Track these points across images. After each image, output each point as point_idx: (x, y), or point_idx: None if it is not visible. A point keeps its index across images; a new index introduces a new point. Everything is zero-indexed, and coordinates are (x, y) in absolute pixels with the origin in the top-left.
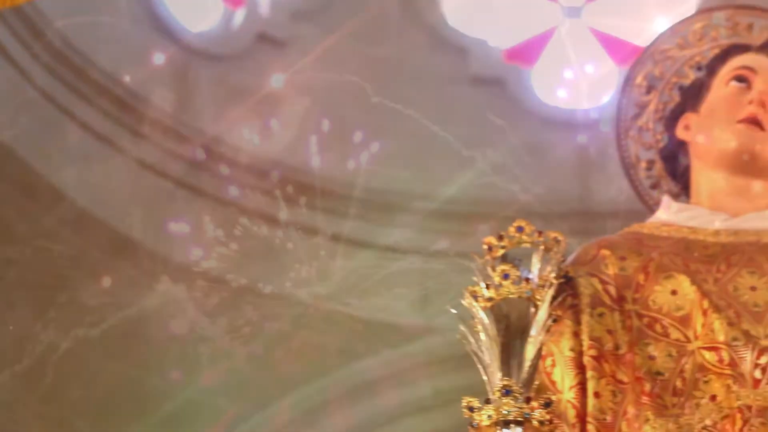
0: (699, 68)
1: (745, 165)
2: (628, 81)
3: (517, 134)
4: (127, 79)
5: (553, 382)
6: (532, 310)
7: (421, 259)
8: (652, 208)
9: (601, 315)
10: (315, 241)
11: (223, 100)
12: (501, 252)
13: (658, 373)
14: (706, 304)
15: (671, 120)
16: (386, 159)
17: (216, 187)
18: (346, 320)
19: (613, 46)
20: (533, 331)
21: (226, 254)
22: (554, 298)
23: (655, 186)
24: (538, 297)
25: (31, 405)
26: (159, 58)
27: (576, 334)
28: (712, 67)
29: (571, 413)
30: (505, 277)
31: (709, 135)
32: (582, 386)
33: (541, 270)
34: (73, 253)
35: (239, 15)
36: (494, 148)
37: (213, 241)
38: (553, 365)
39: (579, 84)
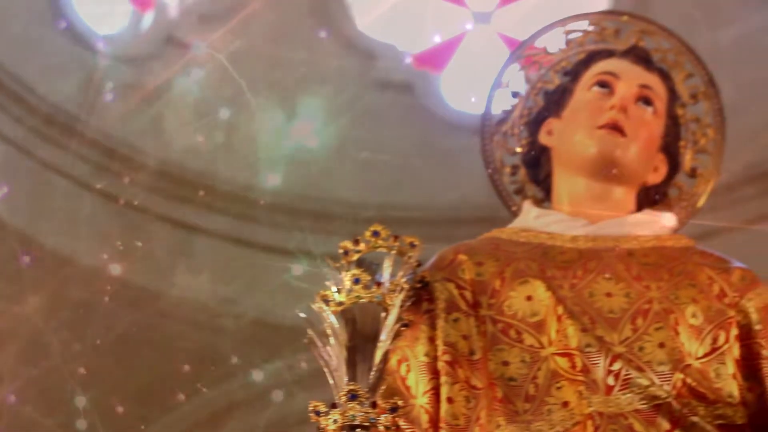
0: (565, 73)
1: (605, 171)
2: (494, 86)
3: (425, 139)
4: (33, 80)
5: (408, 387)
6: (383, 314)
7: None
8: (516, 213)
9: (456, 320)
10: (223, 246)
11: (131, 102)
12: (357, 256)
13: (511, 379)
14: (560, 310)
15: (535, 125)
16: (293, 162)
17: (121, 189)
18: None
19: None
20: (383, 336)
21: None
22: (410, 302)
23: (519, 191)
24: (388, 301)
25: None
26: (66, 60)
27: (431, 339)
28: (576, 73)
29: (425, 418)
30: (356, 281)
31: (571, 140)
32: (436, 391)
33: (393, 275)
34: None
35: (148, 18)
36: (401, 152)
37: (117, 244)
38: (408, 370)
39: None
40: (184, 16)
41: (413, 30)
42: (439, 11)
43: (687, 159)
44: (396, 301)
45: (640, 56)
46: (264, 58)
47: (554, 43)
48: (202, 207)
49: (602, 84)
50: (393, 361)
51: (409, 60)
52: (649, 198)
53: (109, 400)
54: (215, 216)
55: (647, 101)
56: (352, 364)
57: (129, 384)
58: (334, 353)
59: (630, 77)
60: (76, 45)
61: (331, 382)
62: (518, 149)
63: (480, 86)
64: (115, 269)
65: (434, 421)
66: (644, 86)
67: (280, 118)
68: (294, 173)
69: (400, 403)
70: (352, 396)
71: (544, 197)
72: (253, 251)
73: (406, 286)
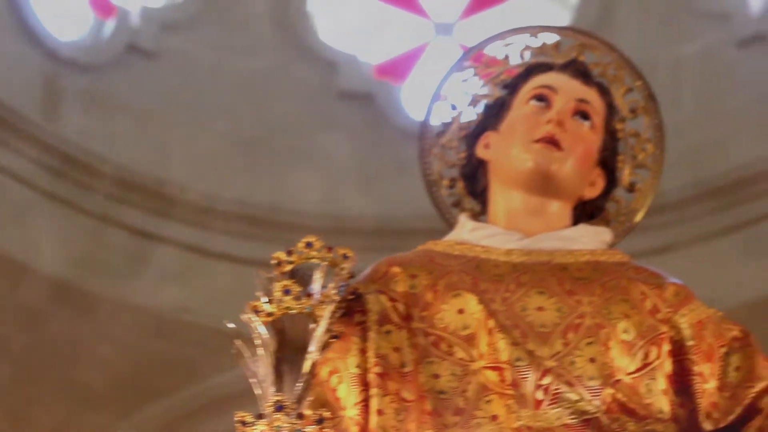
0: (504, 86)
1: (541, 185)
2: (434, 99)
3: (386, 150)
4: None
5: (338, 399)
6: (313, 325)
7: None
8: (453, 226)
9: (388, 332)
10: (178, 253)
11: (91, 110)
12: (289, 267)
13: (441, 392)
14: (491, 323)
15: (473, 138)
16: (251, 170)
17: (81, 196)
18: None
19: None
20: (311, 347)
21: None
22: (342, 314)
23: (457, 204)
24: (318, 313)
25: None
26: (25, 65)
27: (362, 351)
28: (514, 86)
29: (354, 430)
30: (287, 292)
31: (507, 154)
32: (366, 403)
33: (325, 286)
34: None
35: (109, 25)
36: (362, 162)
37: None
38: (339, 382)
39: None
40: (145, 24)
41: (375, 41)
42: (401, 22)
43: (625, 174)
44: (325, 313)
45: (579, 70)
46: (224, 67)
47: (495, 56)
48: (159, 215)
49: (539, 98)
50: (324, 373)
51: (370, 70)
52: (586, 212)
53: (68, 409)
54: (172, 223)
55: (584, 115)
56: (279, 375)
57: (83, 390)
58: (261, 364)
59: (567, 91)
60: (36, 50)
61: (257, 392)
62: (456, 162)
63: None
64: (71, 275)
65: None
66: (582, 100)
67: (240, 127)
68: (252, 182)
69: (326, 414)
70: (279, 407)
71: (482, 210)
72: (211, 259)
73: (336, 297)
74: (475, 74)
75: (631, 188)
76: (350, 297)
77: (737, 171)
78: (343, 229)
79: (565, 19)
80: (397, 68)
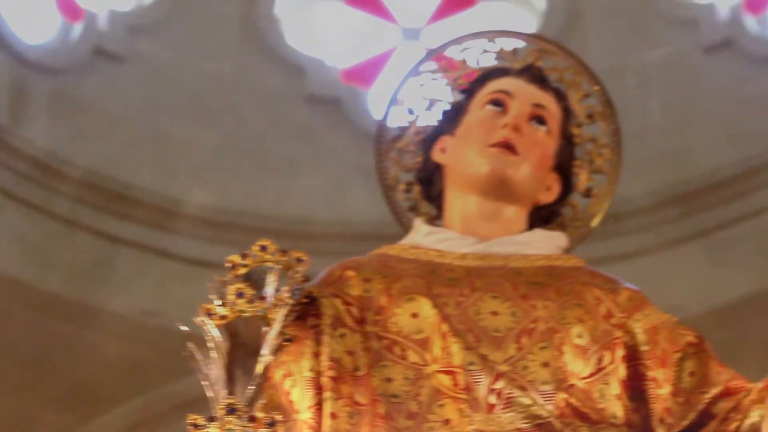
0: (461, 91)
1: (496, 189)
2: (391, 103)
3: (352, 154)
4: None
5: (292, 402)
6: (266, 329)
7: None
8: (410, 230)
9: (342, 336)
10: (145, 256)
11: (58, 113)
12: (243, 270)
13: (394, 396)
14: (445, 327)
15: (430, 142)
16: (218, 174)
17: (48, 199)
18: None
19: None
20: (264, 350)
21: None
22: (296, 317)
23: (414, 208)
24: (271, 316)
25: None
26: None
27: (316, 355)
28: (471, 91)
29: None
30: (240, 295)
31: (463, 158)
32: (320, 407)
33: (279, 289)
34: None
35: (77, 29)
36: (327, 167)
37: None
38: (293, 385)
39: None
40: (113, 28)
41: (342, 45)
42: (368, 27)
43: (582, 179)
44: (278, 316)
45: (535, 75)
46: (192, 70)
47: (447, 61)
48: (126, 218)
49: (496, 102)
50: (278, 376)
51: (337, 75)
52: (542, 217)
53: (30, 411)
54: (140, 227)
55: (540, 120)
56: (231, 378)
57: (49, 395)
58: (214, 367)
59: (523, 96)
60: (3, 53)
61: (209, 395)
62: (413, 166)
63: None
64: (38, 279)
65: None
66: (538, 105)
67: (207, 131)
68: (218, 186)
69: (278, 417)
70: (231, 410)
71: (438, 215)
72: (177, 262)
73: (289, 300)
74: (432, 79)
75: (587, 193)
76: (305, 300)
77: (703, 177)
78: (307, 234)
79: (532, 25)
80: (365, 73)
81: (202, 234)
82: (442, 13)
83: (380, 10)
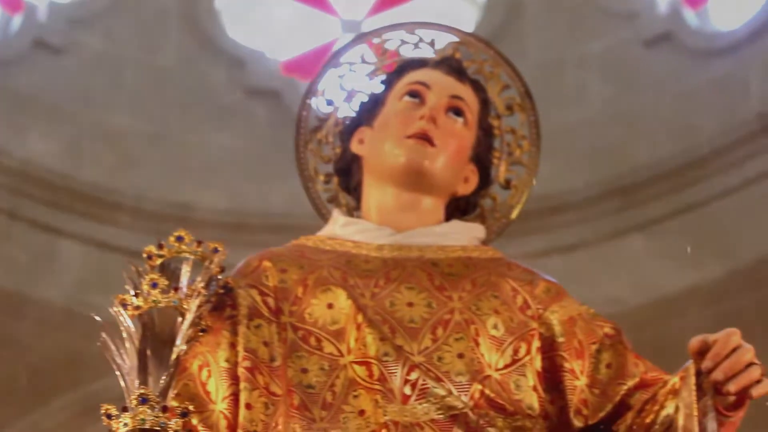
0: (380, 82)
1: (413, 180)
2: (308, 93)
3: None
4: None
5: (208, 393)
6: (181, 319)
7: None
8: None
9: (258, 327)
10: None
11: None
12: (160, 261)
13: (309, 387)
14: (360, 318)
15: (349, 134)
16: (157, 166)
17: None
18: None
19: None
20: (178, 341)
21: None
22: (211, 308)
23: (333, 200)
24: (185, 306)
25: None
26: None
27: (233, 345)
28: (389, 82)
29: (223, 424)
30: (154, 285)
31: (380, 150)
32: (235, 397)
33: (192, 280)
34: None
35: (17, 20)
36: (266, 159)
37: None
38: (209, 376)
39: None
40: (52, 20)
41: (283, 37)
42: (309, 19)
43: (501, 170)
44: (192, 306)
45: (453, 67)
46: (132, 62)
47: (372, 52)
48: (65, 210)
49: (413, 94)
50: (194, 367)
51: (278, 67)
52: (460, 208)
53: None
54: (78, 219)
55: (458, 112)
56: (144, 368)
57: None
58: (127, 356)
59: (441, 88)
60: None
61: (123, 385)
62: (332, 157)
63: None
64: None
65: (233, 427)
66: (455, 97)
67: (146, 123)
68: (159, 177)
69: (191, 407)
70: (143, 400)
71: (357, 206)
72: (117, 254)
73: (203, 291)
74: (352, 70)
75: (506, 185)
76: (221, 291)
77: (643, 170)
78: (246, 226)
79: (473, 18)
80: (305, 65)
81: (143, 226)
82: (382, 5)
83: (321, 3)
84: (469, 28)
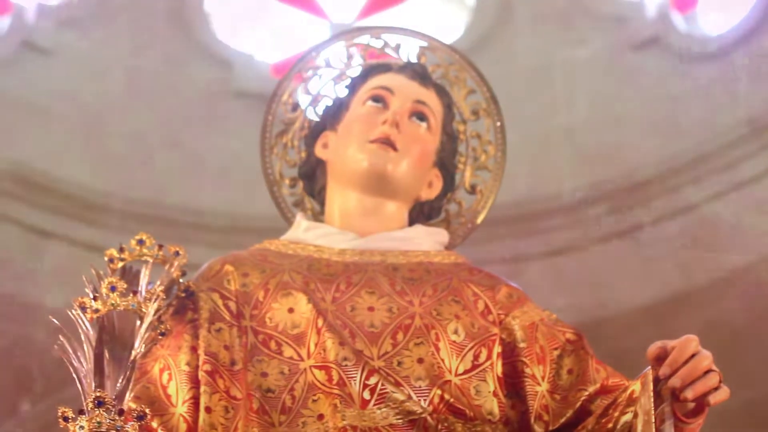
0: (345, 87)
1: (375, 185)
2: (274, 98)
3: None
4: None
5: (168, 396)
6: (139, 323)
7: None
8: None
9: (219, 330)
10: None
11: None
12: (121, 264)
13: (269, 390)
14: (320, 322)
15: (313, 138)
16: (145, 168)
17: None
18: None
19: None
20: (136, 344)
21: None
22: (173, 311)
23: (298, 204)
24: (144, 310)
25: None
26: None
27: (193, 349)
28: (353, 86)
29: (183, 427)
30: (113, 289)
31: (343, 154)
32: (196, 401)
33: (150, 283)
34: None
35: (5, 22)
36: (254, 162)
37: None
38: (170, 379)
39: None
40: (41, 21)
41: (272, 40)
42: (298, 22)
43: (467, 175)
44: (150, 309)
45: (417, 71)
46: (120, 64)
47: (338, 56)
48: (53, 211)
49: (376, 98)
50: (155, 370)
51: (267, 70)
52: (423, 213)
53: None
54: (67, 221)
55: (421, 117)
56: (100, 371)
57: None
58: (84, 359)
59: (404, 92)
60: None
61: (79, 388)
62: (297, 162)
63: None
64: None
65: (193, 430)
66: (418, 102)
67: (135, 125)
68: (147, 180)
69: (147, 410)
70: (99, 403)
71: (321, 210)
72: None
73: (162, 294)
74: (317, 74)
75: (472, 190)
76: (182, 295)
77: (631, 174)
78: (241, 229)
79: (462, 21)
80: None
81: (133, 228)
82: (372, 8)
83: (310, 6)
84: (459, 32)
